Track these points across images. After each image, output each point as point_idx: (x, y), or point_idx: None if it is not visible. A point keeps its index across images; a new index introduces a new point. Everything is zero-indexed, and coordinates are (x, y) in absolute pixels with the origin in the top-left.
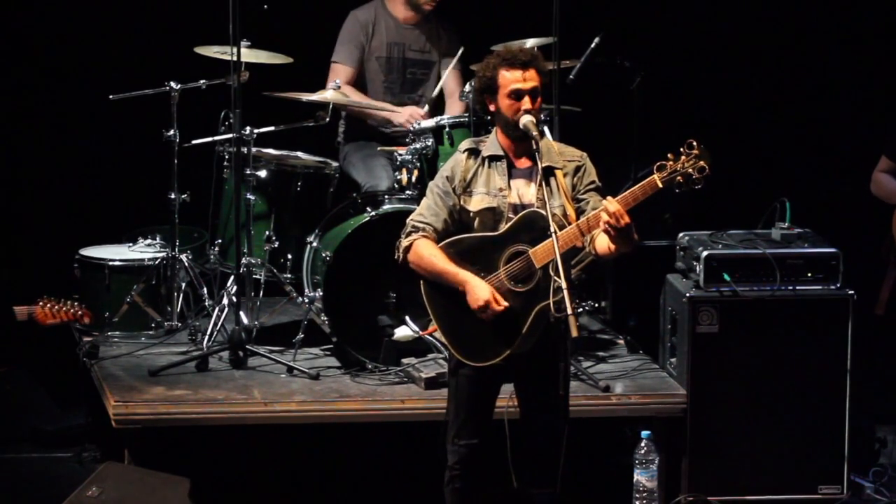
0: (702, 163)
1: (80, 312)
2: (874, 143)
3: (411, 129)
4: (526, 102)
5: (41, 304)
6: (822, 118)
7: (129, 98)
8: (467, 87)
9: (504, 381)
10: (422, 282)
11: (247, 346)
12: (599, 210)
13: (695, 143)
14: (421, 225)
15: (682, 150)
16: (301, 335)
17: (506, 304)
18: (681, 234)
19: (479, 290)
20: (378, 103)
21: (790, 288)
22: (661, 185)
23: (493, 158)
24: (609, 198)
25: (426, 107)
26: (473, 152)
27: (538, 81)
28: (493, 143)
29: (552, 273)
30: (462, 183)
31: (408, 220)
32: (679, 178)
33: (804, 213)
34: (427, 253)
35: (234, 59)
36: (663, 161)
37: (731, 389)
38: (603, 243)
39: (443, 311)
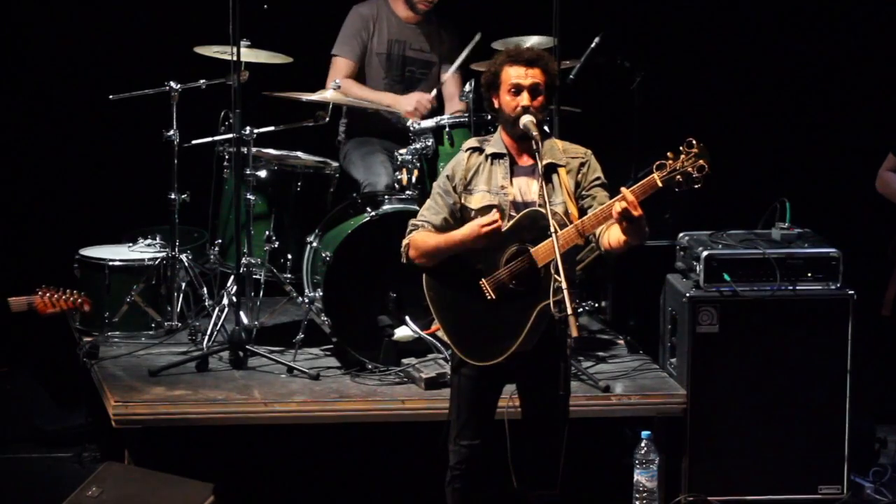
0: (701, 161)
1: (79, 300)
2: (875, 142)
3: (416, 124)
4: (524, 98)
5: (40, 293)
6: (823, 118)
7: (129, 98)
8: (467, 87)
9: (506, 382)
10: (424, 282)
11: (247, 346)
12: (613, 201)
13: (694, 142)
14: (419, 223)
15: (681, 148)
16: (301, 335)
17: (497, 217)
18: (681, 234)
19: (473, 225)
20: (380, 94)
21: (790, 288)
22: (660, 184)
23: (496, 156)
24: (624, 188)
25: (433, 92)
26: (476, 150)
27: (541, 80)
28: (497, 140)
29: (553, 272)
30: (463, 181)
31: (410, 222)
32: (678, 176)
33: (804, 213)
34: (421, 237)
35: (234, 59)
36: (663, 160)
37: (731, 389)
38: (613, 236)
39: (445, 310)
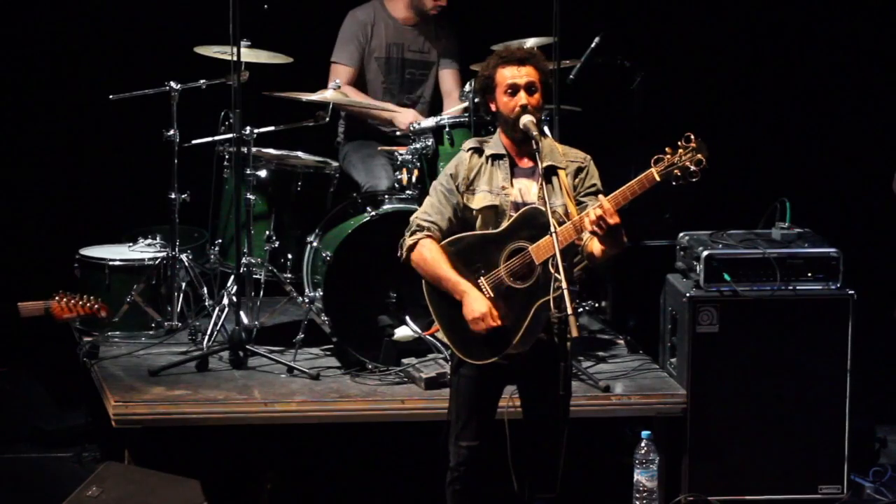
0: (699, 156)
1: (96, 306)
2: (874, 141)
3: (411, 132)
4: (522, 97)
5: (57, 298)
6: (823, 118)
7: (129, 98)
8: (467, 87)
9: (506, 383)
10: (424, 281)
11: (247, 346)
12: (590, 209)
13: (692, 137)
14: (426, 224)
15: (679, 143)
16: (301, 335)
17: (499, 322)
18: (681, 234)
19: (477, 302)
20: (379, 103)
21: (790, 288)
22: (658, 179)
23: (496, 157)
24: (601, 196)
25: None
26: (477, 151)
27: (536, 77)
28: (496, 142)
29: (552, 270)
30: (465, 181)
31: (412, 219)
32: (676, 171)
33: (804, 213)
34: (430, 256)
35: (234, 59)
36: (661, 154)
37: (731, 389)
38: (594, 245)
39: (444, 309)
